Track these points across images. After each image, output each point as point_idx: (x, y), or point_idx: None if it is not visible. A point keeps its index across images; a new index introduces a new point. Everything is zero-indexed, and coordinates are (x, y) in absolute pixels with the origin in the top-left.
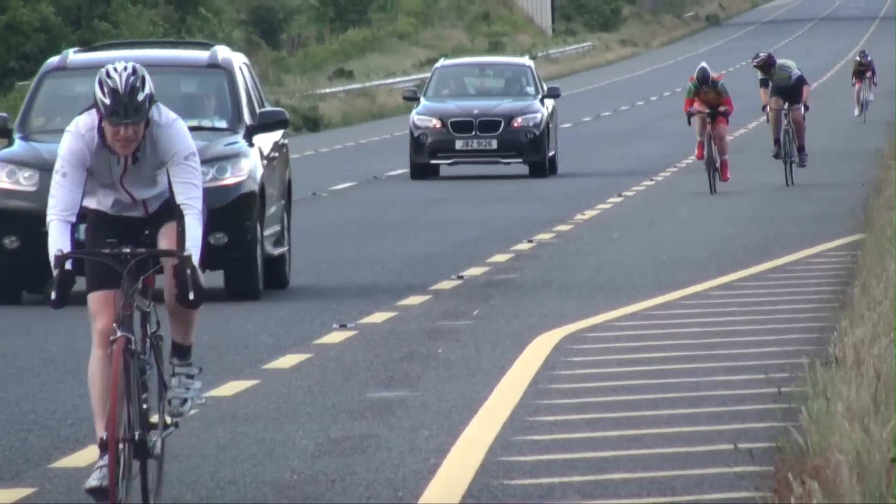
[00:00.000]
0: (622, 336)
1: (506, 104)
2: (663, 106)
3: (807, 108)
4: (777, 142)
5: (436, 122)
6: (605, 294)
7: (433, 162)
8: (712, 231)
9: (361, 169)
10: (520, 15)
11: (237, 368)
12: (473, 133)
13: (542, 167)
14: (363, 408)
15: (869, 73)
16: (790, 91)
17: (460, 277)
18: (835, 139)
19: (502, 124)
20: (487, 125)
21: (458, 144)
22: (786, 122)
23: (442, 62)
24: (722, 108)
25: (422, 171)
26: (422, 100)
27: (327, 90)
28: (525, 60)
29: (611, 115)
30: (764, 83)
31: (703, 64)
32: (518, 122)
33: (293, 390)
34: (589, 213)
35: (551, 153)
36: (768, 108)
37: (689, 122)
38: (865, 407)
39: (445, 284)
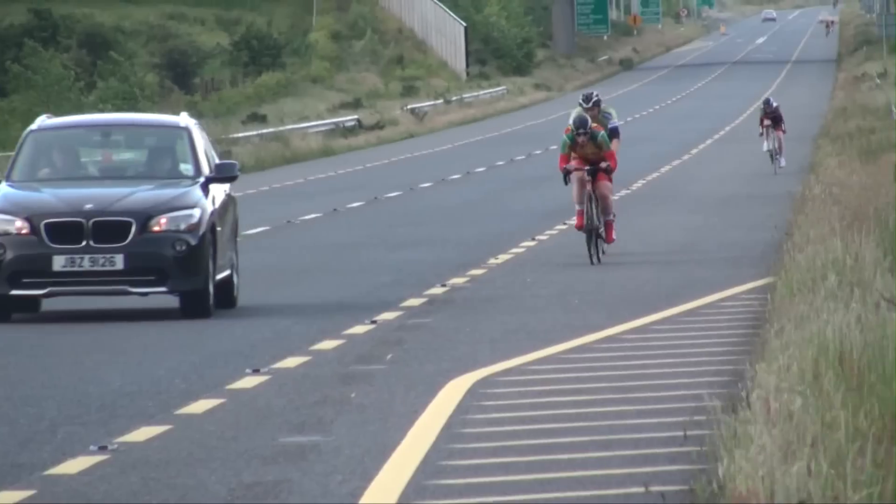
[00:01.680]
0: (535, 380)
1: (142, 193)
2: None
3: (610, 170)
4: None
5: (20, 225)
6: (518, 338)
7: (16, 293)
8: (625, 274)
9: (275, 213)
10: (434, 59)
11: (149, 414)
12: (84, 244)
13: (200, 301)
14: (276, 453)
15: (780, 125)
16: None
17: (373, 322)
18: (746, 183)
19: (133, 228)
20: (107, 230)
21: (58, 263)
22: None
23: (41, 122)
24: (604, 164)
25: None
26: (1, 186)
27: (241, 134)
28: (181, 119)
29: (525, 159)
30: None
31: (580, 110)
32: (161, 223)
33: (206, 435)
34: (502, 257)
35: (223, 274)
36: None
37: (566, 182)
38: (776, 450)
39: (359, 329)
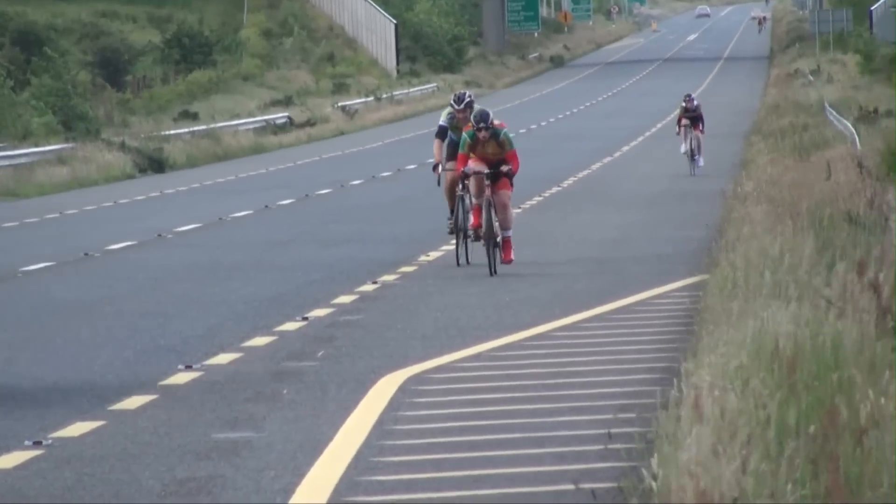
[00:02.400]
0: (466, 377)
1: None
2: None
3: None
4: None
5: None
6: (449, 335)
7: None
8: (557, 272)
9: (206, 210)
10: (364, 56)
11: (83, 409)
12: None
13: None
14: (209, 448)
15: (698, 124)
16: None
17: (305, 319)
18: (678, 180)
19: None
20: None
21: None
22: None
23: None
24: (505, 168)
25: None
26: None
27: (172, 132)
28: None
29: None
30: (442, 133)
31: (482, 108)
32: None
33: (139, 431)
34: (433, 255)
35: None
36: (440, 168)
37: (462, 186)
38: (708, 448)
39: (290, 325)
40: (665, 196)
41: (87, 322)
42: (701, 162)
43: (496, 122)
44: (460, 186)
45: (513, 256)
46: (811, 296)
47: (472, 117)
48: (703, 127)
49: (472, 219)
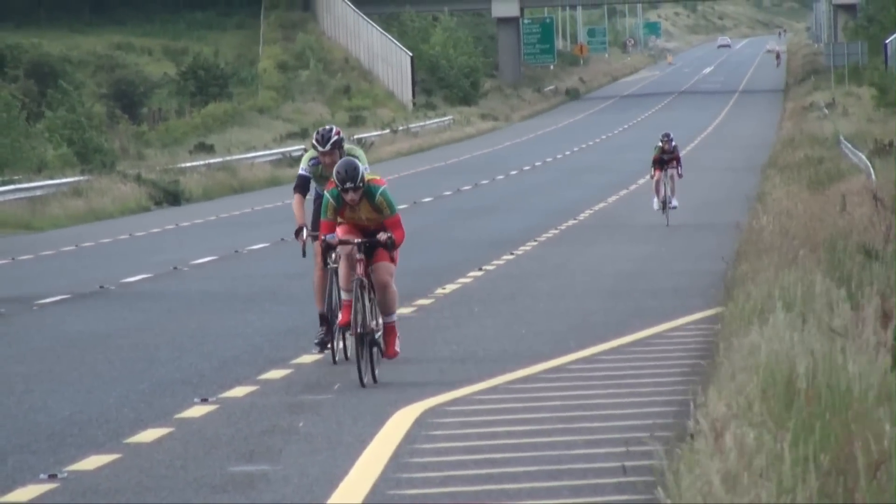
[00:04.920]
0: (483, 409)
1: None
2: (524, 179)
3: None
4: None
5: None
6: (465, 368)
7: None
8: (573, 304)
9: (222, 243)
10: (380, 89)
11: (99, 442)
12: None
13: None
14: (225, 482)
15: (673, 164)
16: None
17: (322, 351)
18: (694, 213)
19: None
20: None
21: None
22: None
23: None
24: (384, 236)
25: None
26: None
27: (188, 164)
28: None
29: (472, 189)
30: (303, 185)
31: (348, 157)
32: None
33: (155, 464)
34: (450, 287)
35: None
36: (305, 234)
37: (329, 259)
38: (723, 480)
39: (307, 358)
40: (681, 228)
41: (102, 355)
42: (674, 202)
43: (371, 176)
44: (332, 258)
45: (398, 349)
46: (826, 328)
47: (334, 173)
48: (681, 169)
49: (340, 314)
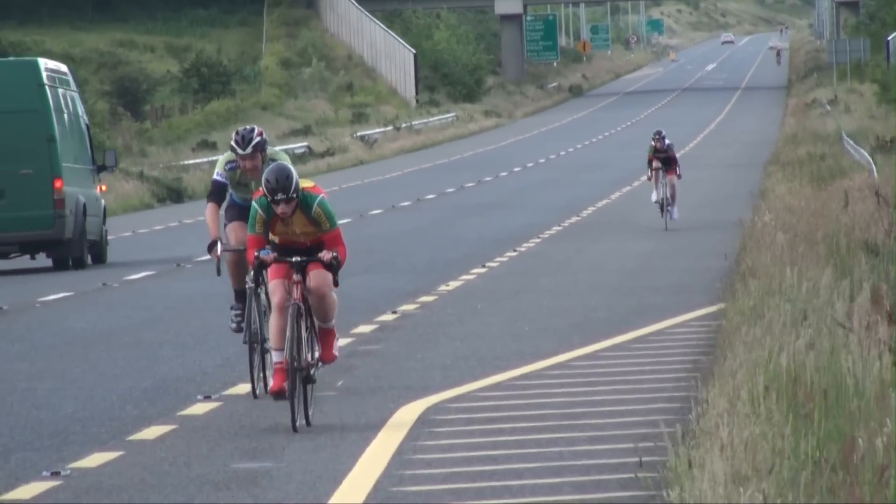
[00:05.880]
0: (486, 406)
1: None
2: (527, 176)
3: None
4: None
5: None
6: (468, 364)
7: None
8: (575, 301)
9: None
10: (383, 86)
11: (102, 440)
12: None
13: None
14: (228, 479)
15: (672, 167)
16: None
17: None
18: (696, 209)
19: None
20: None
21: None
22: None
23: None
24: (328, 255)
25: None
26: None
27: (191, 161)
28: None
29: (475, 186)
30: (218, 193)
31: (279, 163)
32: None
33: (158, 461)
34: (453, 284)
35: None
36: (223, 246)
37: (256, 279)
38: (728, 477)
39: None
40: (684, 225)
41: (105, 352)
42: (675, 214)
43: (305, 185)
44: (250, 279)
45: (336, 353)
46: (828, 325)
47: (263, 181)
48: (679, 171)
49: (272, 378)
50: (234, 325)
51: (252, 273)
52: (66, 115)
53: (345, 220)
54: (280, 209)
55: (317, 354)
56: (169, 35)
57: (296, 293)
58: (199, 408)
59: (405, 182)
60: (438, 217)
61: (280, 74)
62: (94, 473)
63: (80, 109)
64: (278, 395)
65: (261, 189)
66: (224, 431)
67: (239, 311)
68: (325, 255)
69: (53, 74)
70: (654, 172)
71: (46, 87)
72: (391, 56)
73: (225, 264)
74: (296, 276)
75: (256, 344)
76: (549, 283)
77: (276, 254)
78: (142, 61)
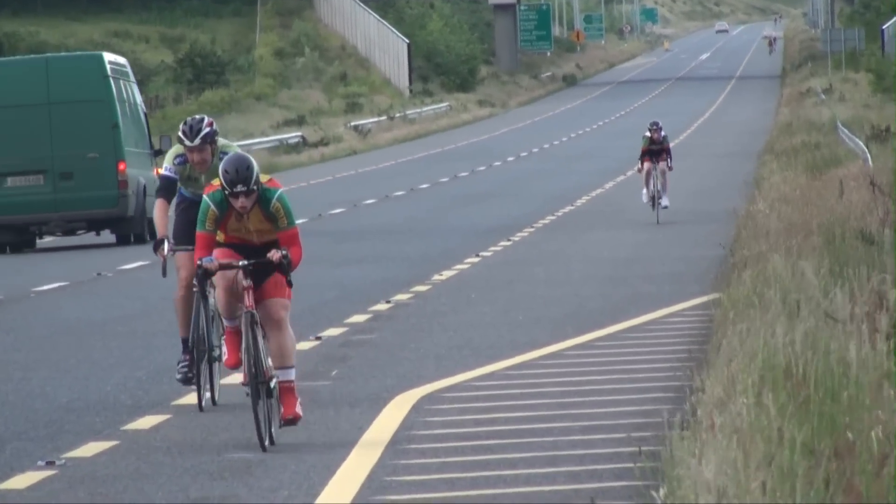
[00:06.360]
0: (480, 396)
1: None
2: (521, 166)
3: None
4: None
5: None
6: (462, 354)
7: None
8: (569, 291)
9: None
10: (377, 76)
11: (97, 429)
12: None
13: None
14: (222, 468)
15: (663, 156)
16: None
17: (318, 338)
18: (690, 199)
19: None
20: None
21: None
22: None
23: None
24: (278, 254)
25: None
26: None
27: None
28: None
29: (468, 176)
30: (168, 189)
31: (238, 153)
32: None
33: (152, 451)
34: (447, 274)
35: None
36: (170, 245)
37: (200, 285)
38: (722, 466)
39: (303, 345)
40: (678, 214)
41: (100, 342)
42: (665, 202)
43: (264, 178)
44: (196, 286)
45: (299, 411)
46: (822, 314)
47: (221, 172)
48: (670, 161)
49: (224, 352)
50: (179, 377)
51: (197, 280)
52: (127, 105)
53: (338, 210)
54: (240, 203)
55: (269, 365)
56: (163, 25)
57: (247, 300)
58: (194, 397)
59: (399, 171)
60: (432, 207)
61: (274, 64)
62: (88, 463)
63: (138, 99)
64: (235, 367)
65: (213, 183)
66: (218, 421)
67: (186, 363)
68: (275, 254)
69: (115, 67)
70: (644, 167)
71: (110, 79)
72: (384, 46)
73: (173, 264)
74: (246, 282)
75: (204, 352)
76: (543, 272)
77: (221, 261)
78: (136, 52)
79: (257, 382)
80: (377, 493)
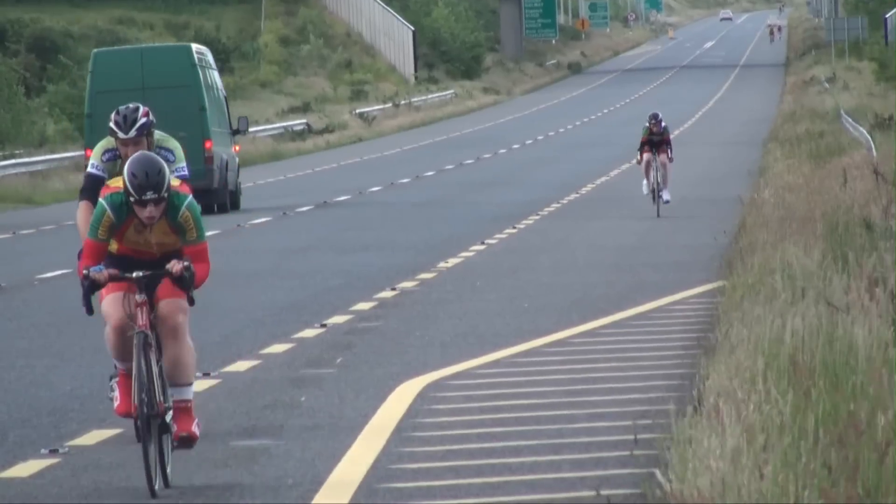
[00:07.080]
0: (485, 383)
1: None
2: (526, 154)
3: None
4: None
5: None
6: (467, 342)
7: None
8: (575, 278)
9: (224, 217)
10: (382, 63)
11: (100, 417)
12: None
13: None
14: (227, 456)
15: (664, 147)
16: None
17: (323, 325)
18: (694, 187)
19: None
20: None
21: None
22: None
23: None
24: (179, 265)
25: None
26: None
27: None
28: None
29: (474, 163)
30: (93, 188)
31: (146, 153)
32: None
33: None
34: (452, 261)
35: None
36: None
37: (88, 304)
38: (727, 453)
39: (309, 332)
40: (683, 202)
41: (103, 329)
42: (667, 196)
43: (173, 182)
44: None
45: (195, 430)
46: (826, 302)
47: (127, 175)
48: (671, 153)
49: (116, 397)
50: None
51: (83, 292)
52: (211, 90)
53: (343, 197)
54: (147, 212)
55: (166, 393)
56: (168, 12)
57: (141, 319)
58: (198, 385)
59: (404, 159)
60: (437, 194)
61: (279, 52)
62: (92, 451)
63: (220, 84)
64: (124, 415)
65: (111, 185)
66: (223, 409)
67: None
68: (175, 265)
69: (201, 56)
70: (644, 158)
71: (197, 67)
72: (390, 33)
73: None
74: (140, 297)
75: (149, 417)
76: (548, 260)
77: (111, 271)
78: (141, 39)
79: (148, 416)
80: (382, 480)
